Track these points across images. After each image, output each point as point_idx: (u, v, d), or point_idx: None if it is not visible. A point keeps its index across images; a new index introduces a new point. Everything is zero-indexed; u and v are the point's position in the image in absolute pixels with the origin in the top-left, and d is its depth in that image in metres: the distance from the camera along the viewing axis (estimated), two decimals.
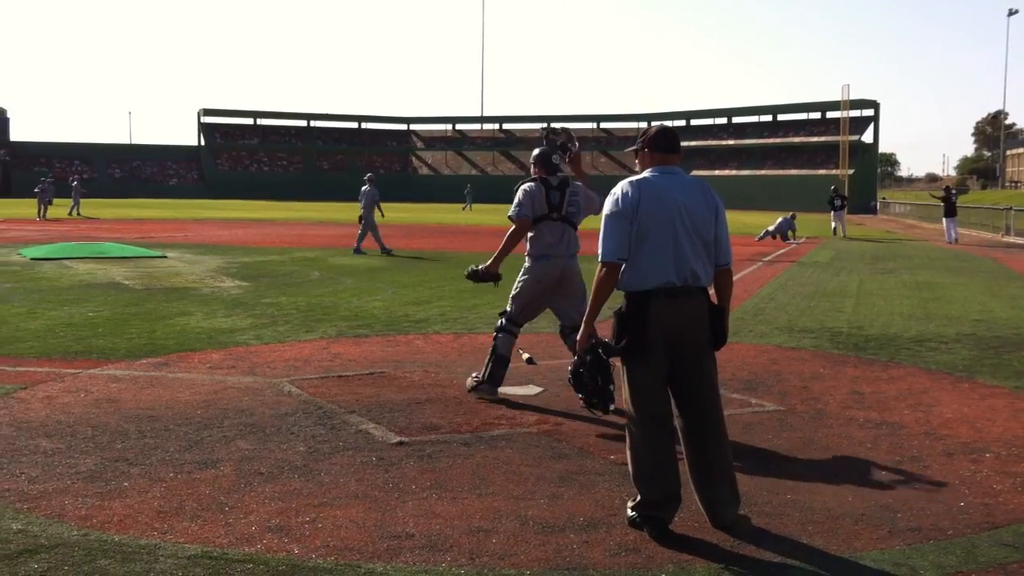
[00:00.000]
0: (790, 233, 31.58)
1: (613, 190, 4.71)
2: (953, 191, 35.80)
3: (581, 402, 5.01)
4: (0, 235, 28.92)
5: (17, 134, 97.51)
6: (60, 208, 44.30)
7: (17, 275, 16.50)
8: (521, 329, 7.51)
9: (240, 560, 4.15)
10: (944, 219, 33.52)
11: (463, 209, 64.81)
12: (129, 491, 5.08)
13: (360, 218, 23.19)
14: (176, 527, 4.55)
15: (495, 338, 7.43)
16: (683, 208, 4.61)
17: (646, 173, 4.74)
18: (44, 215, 39.14)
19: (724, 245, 4.76)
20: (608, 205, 4.67)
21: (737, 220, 46.58)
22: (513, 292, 7.43)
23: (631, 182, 4.66)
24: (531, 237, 7.26)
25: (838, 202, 35.88)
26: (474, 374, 7.59)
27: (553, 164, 7.32)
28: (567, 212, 7.24)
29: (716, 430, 4.71)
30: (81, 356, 8.88)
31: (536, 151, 7.47)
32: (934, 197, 35.88)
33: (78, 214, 41.91)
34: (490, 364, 7.37)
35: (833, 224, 36.05)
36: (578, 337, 4.78)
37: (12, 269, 17.66)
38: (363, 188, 23.53)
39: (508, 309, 7.44)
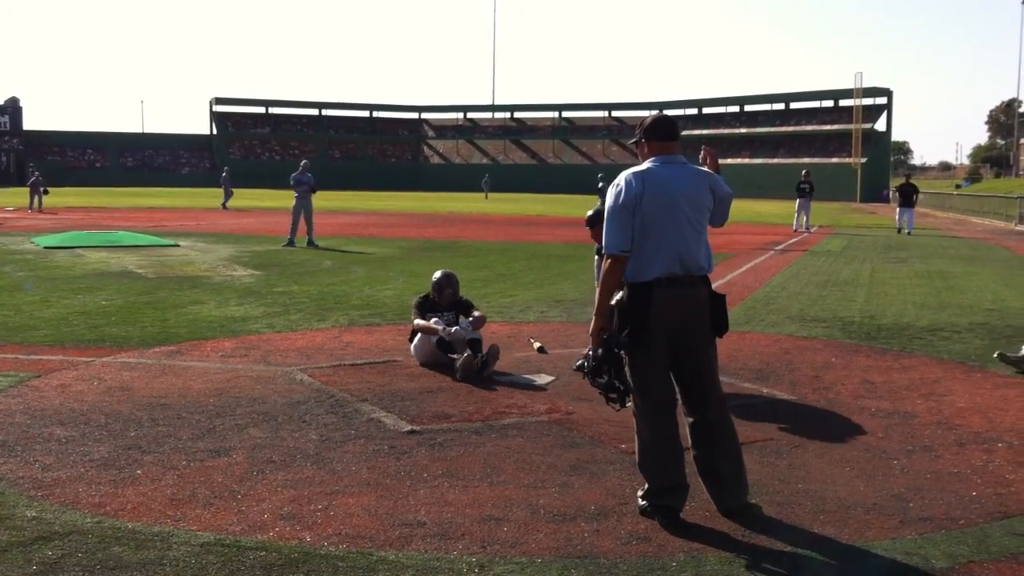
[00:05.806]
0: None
1: (616, 181, 4.68)
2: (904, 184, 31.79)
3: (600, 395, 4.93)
4: (13, 223, 29.06)
5: (30, 123, 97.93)
6: (67, 197, 44.22)
7: (31, 263, 16.59)
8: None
9: (252, 548, 4.17)
10: (898, 208, 30.80)
11: (486, 198, 64.88)
12: (142, 479, 5.11)
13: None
14: (189, 515, 4.58)
15: None
16: (686, 198, 4.59)
17: (648, 163, 4.70)
18: (38, 206, 38.14)
19: (720, 216, 4.81)
20: (610, 197, 4.64)
21: (748, 209, 46.48)
22: None
23: (634, 173, 4.63)
24: None
25: (806, 187, 30.33)
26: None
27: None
28: None
29: (720, 417, 4.71)
30: (94, 344, 8.93)
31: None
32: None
33: (223, 206, 41.22)
34: None
35: (798, 215, 30.47)
36: (589, 331, 4.71)
37: (26, 257, 17.75)
38: (294, 174, 22.45)
39: None
